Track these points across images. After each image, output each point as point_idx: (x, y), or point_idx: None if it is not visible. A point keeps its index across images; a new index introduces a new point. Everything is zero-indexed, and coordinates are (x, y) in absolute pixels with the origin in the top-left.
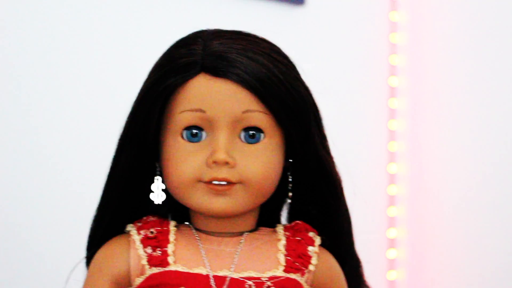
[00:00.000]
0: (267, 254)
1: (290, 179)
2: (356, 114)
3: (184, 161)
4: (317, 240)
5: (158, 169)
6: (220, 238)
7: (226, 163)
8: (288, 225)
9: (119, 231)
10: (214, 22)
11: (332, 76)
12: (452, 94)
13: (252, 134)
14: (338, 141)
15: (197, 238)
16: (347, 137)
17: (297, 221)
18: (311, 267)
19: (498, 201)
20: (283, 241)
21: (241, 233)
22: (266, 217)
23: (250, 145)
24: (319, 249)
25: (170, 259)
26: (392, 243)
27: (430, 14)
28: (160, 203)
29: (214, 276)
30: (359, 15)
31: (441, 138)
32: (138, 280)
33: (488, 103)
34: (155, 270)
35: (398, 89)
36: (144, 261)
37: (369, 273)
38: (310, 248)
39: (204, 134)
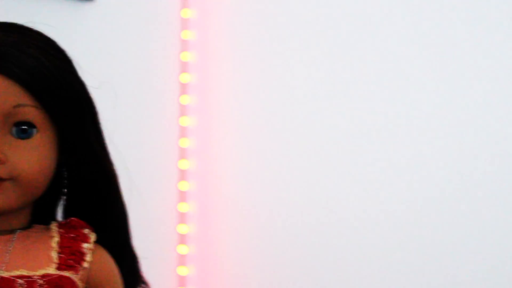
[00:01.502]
0: (40, 252)
1: (66, 175)
2: (147, 111)
3: None
4: (92, 237)
5: None
6: None
7: None
8: (63, 222)
9: None
10: None
11: (123, 73)
12: (243, 91)
13: (24, 129)
14: (128, 138)
15: None
16: (137, 134)
17: (72, 218)
18: (85, 264)
19: (287, 198)
20: (56, 238)
21: (13, 231)
22: (41, 214)
23: (22, 140)
24: (94, 246)
25: None
26: (183, 239)
27: (221, 11)
28: None
29: None
30: (150, 12)
31: (232, 134)
32: None
33: (276, 100)
34: None
35: (190, 85)
36: None
37: (159, 268)
38: (84, 245)
39: None
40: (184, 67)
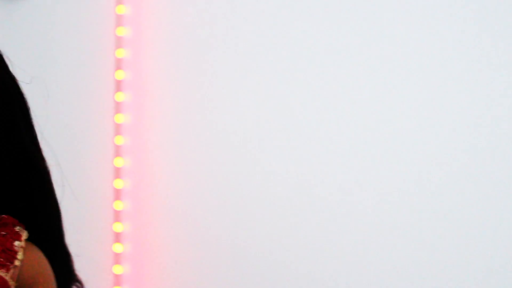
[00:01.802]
0: None
1: None
2: (82, 107)
3: None
4: (24, 234)
5: None
6: None
7: None
8: None
9: None
10: None
11: (57, 69)
12: (178, 88)
13: None
14: (62, 135)
15: None
16: (72, 131)
17: (3, 215)
18: (16, 262)
19: (222, 196)
20: None
21: None
22: None
23: None
24: (26, 244)
25: None
26: (118, 237)
27: (156, 8)
28: None
29: None
30: (85, 8)
31: (168, 132)
32: None
33: (211, 97)
34: None
35: (125, 82)
36: None
37: (94, 267)
38: (16, 242)
39: None
40: (119, 64)
